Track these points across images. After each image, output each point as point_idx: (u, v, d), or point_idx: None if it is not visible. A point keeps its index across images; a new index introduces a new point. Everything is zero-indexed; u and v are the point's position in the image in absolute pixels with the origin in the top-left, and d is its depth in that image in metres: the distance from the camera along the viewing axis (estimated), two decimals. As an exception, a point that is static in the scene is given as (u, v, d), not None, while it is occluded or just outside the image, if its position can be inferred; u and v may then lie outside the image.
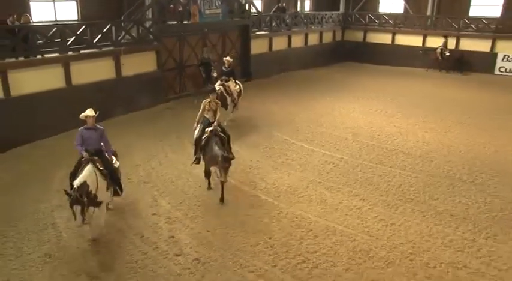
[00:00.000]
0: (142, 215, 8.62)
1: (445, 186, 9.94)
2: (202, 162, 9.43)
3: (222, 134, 9.22)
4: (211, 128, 9.14)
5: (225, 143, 9.19)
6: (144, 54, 15.51)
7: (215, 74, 15.75)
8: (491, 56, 22.25)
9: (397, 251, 7.50)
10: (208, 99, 9.54)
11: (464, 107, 16.43)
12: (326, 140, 12.86)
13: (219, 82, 13.84)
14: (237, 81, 14.57)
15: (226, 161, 8.50)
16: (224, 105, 12.98)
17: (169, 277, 6.84)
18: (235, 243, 7.69)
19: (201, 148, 9.22)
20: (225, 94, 13.49)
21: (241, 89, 14.60)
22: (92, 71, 13.74)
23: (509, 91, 19.02)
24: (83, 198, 6.74)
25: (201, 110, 9.64)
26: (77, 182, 6.96)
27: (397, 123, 14.51)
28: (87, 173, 7.15)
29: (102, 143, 7.86)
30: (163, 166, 10.95)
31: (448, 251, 7.51)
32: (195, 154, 9.56)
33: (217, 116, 9.53)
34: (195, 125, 9.77)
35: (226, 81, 13.94)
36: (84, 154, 7.48)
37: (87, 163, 7.34)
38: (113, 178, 7.81)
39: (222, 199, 9.01)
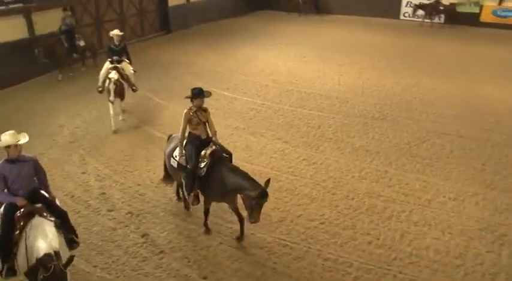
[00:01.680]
0: (71, 175, 8.36)
1: (360, 124, 10.65)
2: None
3: (225, 154, 6.60)
4: (210, 150, 6.49)
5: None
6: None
7: (82, 43, 13.81)
8: (396, 2, 23.29)
9: (319, 187, 8.06)
10: (193, 108, 6.51)
11: (377, 51, 17.28)
12: (248, 88, 13.03)
13: (109, 65, 10.30)
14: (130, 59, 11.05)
15: (265, 196, 5.91)
16: (121, 95, 10.10)
17: (104, 233, 6.83)
18: (167, 193, 7.79)
19: (199, 179, 6.45)
20: (121, 80, 10.08)
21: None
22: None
23: (415, 35, 20.23)
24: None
25: (182, 125, 6.53)
26: (37, 256, 4.51)
27: (314, 68, 14.98)
28: (45, 236, 4.72)
29: (36, 179, 5.45)
30: (89, 124, 10.52)
31: (365, 183, 8.21)
32: (188, 191, 6.72)
33: (212, 129, 6.67)
34: (173, 148, 6.87)
35: (119, 62, 10.37)
36: (20, 202, 5.09)
37: (31, 218, 4.95)
38: (65, 225, 5.35)
39: (240, 238, 6.73)
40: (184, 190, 7.01)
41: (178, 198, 7.57)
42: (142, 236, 6.77)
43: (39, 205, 5.18)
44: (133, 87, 10.71)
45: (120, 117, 10.48)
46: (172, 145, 6.93)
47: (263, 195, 5.82)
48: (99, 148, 9.42)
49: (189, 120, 6.50)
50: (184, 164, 6.61)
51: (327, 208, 7.46)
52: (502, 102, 12.24)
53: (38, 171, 5.44)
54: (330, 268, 6.18)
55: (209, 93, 6.58)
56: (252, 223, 6.01)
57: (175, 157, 6.73)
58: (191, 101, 6.50)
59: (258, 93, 12.65)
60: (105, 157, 9.03)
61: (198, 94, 6.43)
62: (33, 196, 5.25)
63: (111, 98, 9.80)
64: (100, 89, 10.40)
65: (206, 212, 6.77)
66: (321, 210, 7.41)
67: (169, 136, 7.30)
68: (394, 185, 8.15)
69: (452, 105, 11.97)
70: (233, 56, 16.43)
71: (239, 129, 10.28)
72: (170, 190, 7.81)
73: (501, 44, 18.51)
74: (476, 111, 11.60)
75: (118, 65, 10.24)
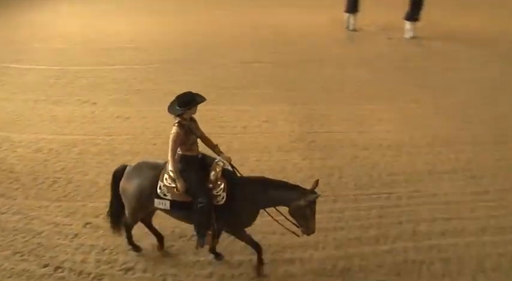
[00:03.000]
0: None
1: (165, 70, 10.91)
2: None
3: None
4: (219, 169, 4.90)
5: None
6: None
7: None
8: None
9: (140, 140, 8.17)
10: (185, 123, 4.79)
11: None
12: (42, 55, 11.94)
13: None
14: None
15: (313, 204, 4.69)
16: None
17: None
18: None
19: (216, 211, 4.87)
20: None
21: None
22: None
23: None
24: None
25: (173, 151, 4.76)
26: None
27: (110, 22, 14.38)
28: None
29: None
30: None
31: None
32: (204, 230, 4.93)
33: (210, 141, 5.12)
34: (149, 184, 4.98)
35: None
36: None
37: None
38: None
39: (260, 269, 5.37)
40: (196, 232, 5.01)
41: (137, 248, 5.66)
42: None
43: None
44: None
45: None
46: (140, 181, 4.99)
47: (315, 198, 4.65)
48: None
49: (182, 143, 4.78)
50: (188, 199, 4.84)
51: (149, 154, 7.50)
52: (292, 28, 13.78)
53: None
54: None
55: (203, 98, 4.90)
56: (309, 234, 4.90)
57: (165, 195, 4.91)
58: (178, 115, 4.76)
59: (53, 59, 11.70)
60: None
61: (191, 101, 4.76)
62: None
63: None
64: None
65: (255, 245, 5.18)
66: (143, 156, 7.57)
67: (122, 169, 5.27)
68: (210, 121, 8.43)
69: (250, 37, 13.03)
70: (23, 25, 14.41)
71: (40, 102, 9.55)
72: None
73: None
74: (271, 38, 12.88)
75: None
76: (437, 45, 13.06)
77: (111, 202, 5.41)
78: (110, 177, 6.90)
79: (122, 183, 5.13)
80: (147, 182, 4.96)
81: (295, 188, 4.79)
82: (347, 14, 13.98)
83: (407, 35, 13.44)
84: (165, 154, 4.79)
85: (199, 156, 5.02)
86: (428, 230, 6.06)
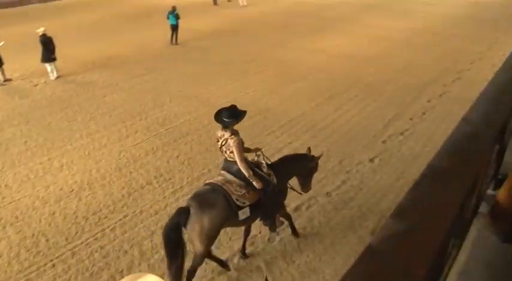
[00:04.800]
0: None
1: None
2: None
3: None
4: (264, 164, 5.56)
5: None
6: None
7: None
8: None
9: None
10: (238, 137, 5.17)
11: None
12: None
13: None
14: None
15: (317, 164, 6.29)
16: None
17: None
18: None
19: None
20: None
21: None
22: None
23: None
24: None
25: (241, 156, 5.17)
26: None
27: None
28: None
29: None
30: None
31: None
32: (275, 213, 5.74)
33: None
34: (238, 189, 5.20)
35: None
36: None
37: None
38: None
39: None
40: (268, 218, 5.66)
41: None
42: None
43: None
44: None
45: None
46: (215, 209, 5.01)
47: (319, 158, 6.17)
48: None
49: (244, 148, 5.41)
50: (258, 197, 5.34)
51: None
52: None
53: None
54: None
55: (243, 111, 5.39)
56: (307, 192, 6.30)
57: (244, 203, 5.21)
58: (225, 128, 5.25)
59: None
60: None
61: (240, 114, 5.28)
62: None
63: None
64: None
65: (288, 214, 6.28)
66: None
67: (176, 222, 4.97)
68: None
69: None
70: None
71: None
72: None
73: None
74: None
75: None
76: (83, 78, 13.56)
77: (173, 258, 4.99)
78: None
79: (191, 227, 4.94)
80: (221, 205, 5.04)
81: (304, 155, 5.99)
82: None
83: (52, 76, 13.40)
84: None
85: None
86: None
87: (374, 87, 12.49)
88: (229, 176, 5.33)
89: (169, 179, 8.13)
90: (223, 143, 5.25)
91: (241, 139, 5.20)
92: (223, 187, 5.15)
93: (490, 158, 2.55)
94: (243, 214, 5.24)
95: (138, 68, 14.51)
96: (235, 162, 5.22)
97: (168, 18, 17.12)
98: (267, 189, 5.35)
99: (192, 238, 5.00)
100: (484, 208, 3.05)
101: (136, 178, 8.18)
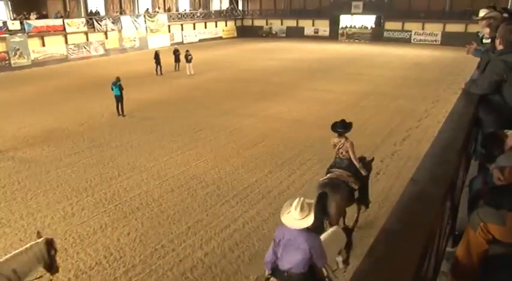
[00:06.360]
0: None
1: None
2: None
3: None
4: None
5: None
6: None
7: None
8: None
9: None
10: (351, 141, 7.63)
11: None
12: None
13: None
14: None
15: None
16: None
17: None
18: None
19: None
20: None
21: None
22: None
23: None
24: None
25: (355, 155, 7.71)
26: None
27: None
28: None
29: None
30: None
31: None
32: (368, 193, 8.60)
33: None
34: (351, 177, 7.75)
35: None
36: None
37: None
38: None
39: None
40: (364, 196, 8.06)
41: None
42: None
43: None
44: None
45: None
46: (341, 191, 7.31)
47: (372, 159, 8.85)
48: None
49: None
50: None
51: None
52: None
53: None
54: None
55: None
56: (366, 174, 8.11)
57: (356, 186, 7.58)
58: (340, 136, 7.54)
59: None
60: None
61: (349, 126, 7.69)
62: None
63: None
64: None
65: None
66: None
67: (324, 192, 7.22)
68: None
69: None
70: None
71: None
72: None
73: None
74: None
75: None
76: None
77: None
78: None
79: (329, 204, 7.08)
80: (344, 187, 7.30)
81: (363, 157, 8.15)
82: None
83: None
84: None
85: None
86: None
87: (326, 151, 12.78)
88: (338, 171, 7.46)
89: (120, 257, 7.64)
90: (340, 146, 7.43)
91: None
92: (339, 177, 7.31)
93: (443, 216, 2.57)
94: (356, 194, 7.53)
95: (83, 141, 14.06)
96: (346, 159, 7.47)
97: (112, 89, 16.96)
98: (368, 175, 7.83)
99: (330, 211, 7.00)
100: (445, 266, 3.05)
101: (84, 259, 7.62)
